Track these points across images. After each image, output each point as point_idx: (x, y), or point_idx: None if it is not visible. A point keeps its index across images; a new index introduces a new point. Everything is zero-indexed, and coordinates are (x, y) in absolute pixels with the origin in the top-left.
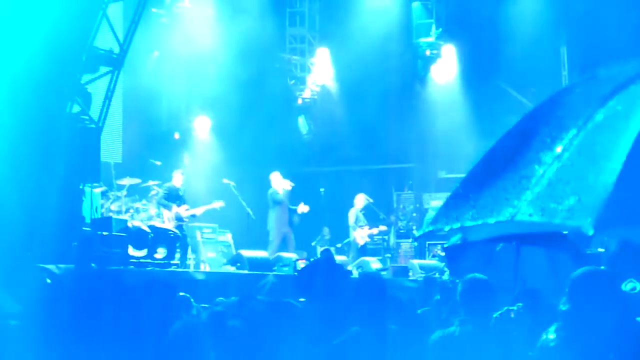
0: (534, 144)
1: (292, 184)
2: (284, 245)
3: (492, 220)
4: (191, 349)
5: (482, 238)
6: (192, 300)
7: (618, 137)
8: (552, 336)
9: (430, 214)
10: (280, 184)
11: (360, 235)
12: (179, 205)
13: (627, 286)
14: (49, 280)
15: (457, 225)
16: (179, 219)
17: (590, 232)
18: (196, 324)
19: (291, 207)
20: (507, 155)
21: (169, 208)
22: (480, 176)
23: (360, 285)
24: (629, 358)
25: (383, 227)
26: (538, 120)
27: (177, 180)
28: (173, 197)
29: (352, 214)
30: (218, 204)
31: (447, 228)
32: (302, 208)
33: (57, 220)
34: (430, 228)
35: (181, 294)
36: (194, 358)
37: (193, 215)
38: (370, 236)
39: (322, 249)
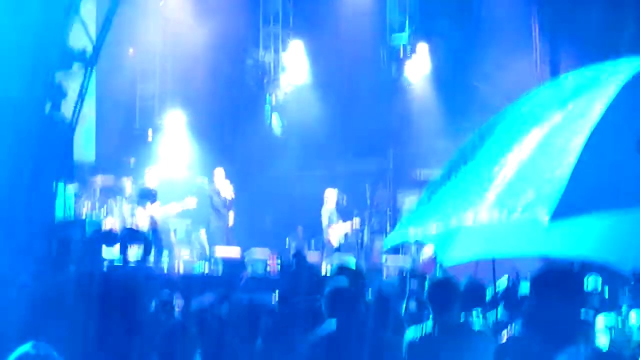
0: (495, 148)
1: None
2: None
3: (454, 225)
4: (179, 348)
5: (457, 262)
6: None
7: (574, 135)
8: (513, 331)
9: (405, 213)
10: (223, 183)
11: (334, 232)
12: (152, 204)
13: (589, 279)
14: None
15: (421, 233)
16: (152, 217)
17: (547, 222)
18: (181, 323)
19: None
20: (470, 160)
21: (142, 207)
22: (443, 183)
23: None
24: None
25: (357, 220)
26: (500, 125)
27: (150, 178)
28: (146, 195)
29: (325, 212)
30: (191, 202)
31: (413, 240)
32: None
33: (29, 220)
34: (398, 239)
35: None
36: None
37: (165, 214)
38: (344, 233)
39: (294, 252)
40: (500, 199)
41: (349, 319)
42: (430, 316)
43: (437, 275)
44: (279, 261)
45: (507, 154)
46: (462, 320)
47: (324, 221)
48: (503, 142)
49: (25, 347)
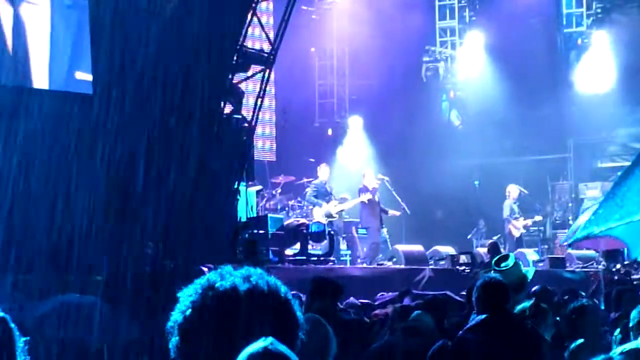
0: None
1: (382, 179)
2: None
3: (636, 217)
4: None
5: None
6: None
7: None
8: None
9: (587, 204)
10: (371, 181)
11: (515, 227)
12: (327, 202)
13: None
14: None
15: (606, 227)
16: (328, 215)
17: None
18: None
19: (383, 207)
20: None
21: (319, 205)
22: (628, 179)
23: None
24: None
25: (538, 218)
26: None
27: (323, 174)
28: (322, 194)
29: (507, 206)
30: (365, 197)
31: (597, 231)
32: (393, 212)
33: (214, 219)
34: (584, 233)
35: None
36: None
37: (342, 212)
38: (526, 227)
39: (491, 241)
40: None
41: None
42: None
43: None
44: (470, 255)
45: None
46: None
47: (505, 214)
48: None
49: (262, 344)
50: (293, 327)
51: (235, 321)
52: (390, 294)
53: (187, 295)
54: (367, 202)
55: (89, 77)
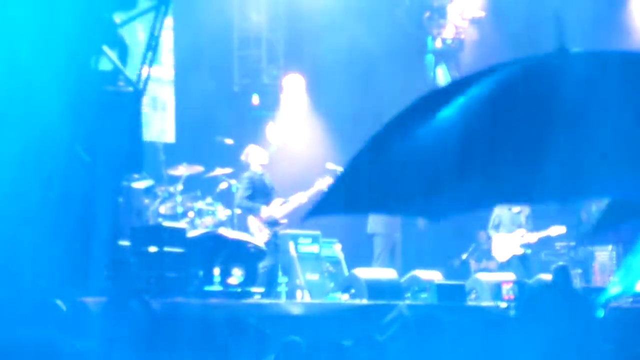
0: None
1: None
2: (391, 258)
3: None
4: None
5: None
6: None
7: None
8: None
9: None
10: None
11: (513, 241)
12: (268, 203)
13: None
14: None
15: None
16: (272, 223)
17: None
18: None
19: None
20: None
21: (256, 212)
22: None
23: None
24: None
25: (559, 229)
26: None
27: (257, 161)
28: (259, 191)
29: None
30: (325, 182)
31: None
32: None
33: (78, 230)
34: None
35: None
36: None
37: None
38: (545, 241)
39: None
40: None
41: None
42: None
43: None
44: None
45: None
46: None
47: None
48: None
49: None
50: None
51: None
52: None
53: None
54: None
55: None
